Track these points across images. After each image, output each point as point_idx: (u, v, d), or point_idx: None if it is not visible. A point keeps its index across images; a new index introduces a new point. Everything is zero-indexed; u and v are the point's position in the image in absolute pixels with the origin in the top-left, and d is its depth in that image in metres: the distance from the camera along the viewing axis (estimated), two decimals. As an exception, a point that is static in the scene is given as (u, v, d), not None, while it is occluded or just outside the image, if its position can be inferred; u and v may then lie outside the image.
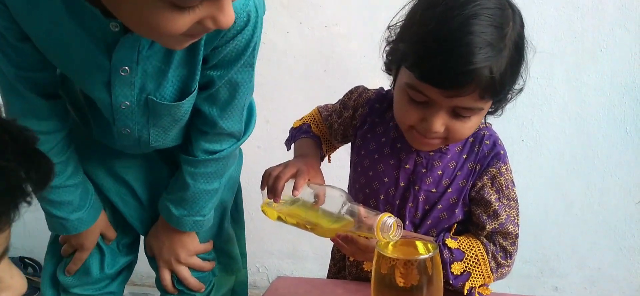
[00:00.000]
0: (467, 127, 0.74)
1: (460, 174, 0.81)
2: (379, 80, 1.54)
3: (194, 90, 0.73)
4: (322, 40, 1.57)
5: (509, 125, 1.46)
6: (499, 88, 0.70)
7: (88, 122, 0.84)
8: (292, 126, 1.01)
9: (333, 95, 1.56)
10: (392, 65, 0.81)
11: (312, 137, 0.97)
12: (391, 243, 0.68)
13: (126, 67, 0.68)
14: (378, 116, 0.87)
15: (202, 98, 0.76)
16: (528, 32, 1.34)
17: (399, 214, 0.83)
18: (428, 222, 0.83)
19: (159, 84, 0.71)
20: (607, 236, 1.53)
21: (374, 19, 1.51)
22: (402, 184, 0.82)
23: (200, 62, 0.71)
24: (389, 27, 0.80)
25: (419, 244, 0.69)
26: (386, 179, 0.84)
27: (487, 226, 0.78)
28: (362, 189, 0.88)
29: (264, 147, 1.67)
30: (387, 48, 0.81)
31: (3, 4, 0.63)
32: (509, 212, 0.79)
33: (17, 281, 0.48)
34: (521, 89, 0.78)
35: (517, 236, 0.80)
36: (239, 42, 0.70)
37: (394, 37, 0.79)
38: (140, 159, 0.90)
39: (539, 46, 1.44)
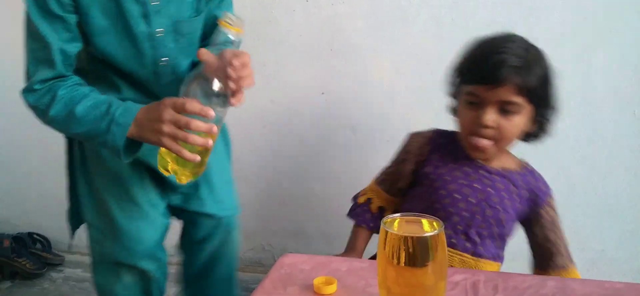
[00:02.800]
0: (513, 124, 0.94)
1: (518, 199, 1.02)
2: (383, 60, 1.53)
3: (204, 9, 0.99)
4: (327, 19, 1.56)
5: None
6: (531, 88, 0.92)
7: (124, 95, 0.98)
8: (356, 198, 1.20)
9: (338, 75, 1.56)
10: (455, 90, 1.04)
11: (368, 225, 1.14)
12: (397, 220, 0.69)
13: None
14: (445, 148, 1.06)
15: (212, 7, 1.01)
16: (536, 14, 1.35)
17: (468, 227, 1.01)
18: (490, 234, 1.01)
19: (178, 9, 0.95)
20: (610, 219, 1.54)
21: (380, -1, 1.51)
22: (472, 200, 1.00)
23: None
24: (451, 73, 1.04)
25: (425, 222, 0.69)
26: (457, 196, 1.00)
27: (559, 255, 1.04)
28: (432, 204, 1.02)
29: (269, 127, 1.68)
30: (451, 87, 1.05)
31: None
32: (561, 234, 1.05)
33: None
34: (555, 111, 1.01)
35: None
36: None
37: (454, 75, 1.04)
38: None
39: (548, 27, 1.44)
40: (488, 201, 1.00)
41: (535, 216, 1.04)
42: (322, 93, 1.61)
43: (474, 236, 1.01)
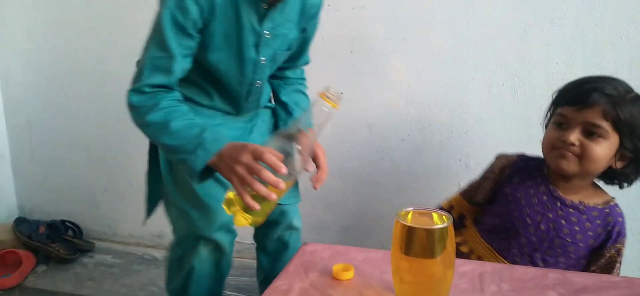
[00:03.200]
0: (597, 149, 0.97)
1: (592, 235, 1.03)
2: (401, 61, 1.59)
3: (294, 42, 1.15)
4: (348, 22, 1.62)
5: (528, 108, 1.50)
6: (620, 117, 0.95)
7: (215, 103, 1.12)
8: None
9: (358, 75, 1.63)
10: (548, 119, 1.09)
11: None
12: (410, 213, 0.75)
13: (267, 32, 1.05)
14: (526, 173, 1.10)
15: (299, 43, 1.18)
16: (549, 19, 1.38)
17: (534, 250, 1.06)
18: (555, 262, 1.04)
19: (281, 42, 1.09)
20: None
21: (399, 2, 1.56)
22: (542, 227, 1.04)
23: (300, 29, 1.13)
24: (549, 106, 1.09)
25: (435, 215, 0.76)
26: (529, 221, 1.05)
27: None
28: (504, 223, 1.09)
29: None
30: (547, 117, 1.10)
31: (212, 1, 0.95)
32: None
33: None
34: None
35: None
36: (317, 15, 1.16)
37: (550, 105, 1.08)
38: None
39: (560, 32, 1.49)
40: (557, 231, 1.03)
41: (598, 252, 1.05)
42: (341, 92, 1.67)
43: (538, 260, 1.06)
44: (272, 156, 0.84)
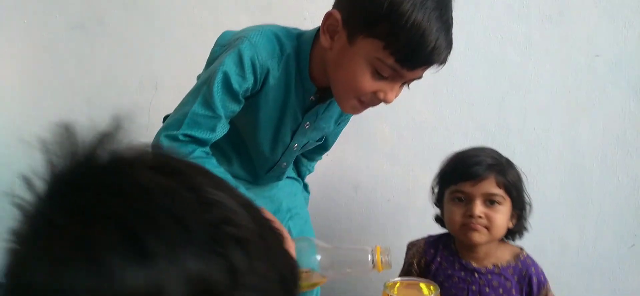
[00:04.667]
0: (499, 216, 1.07)
1: (515, 293, 1.09)
2: (385, 126, 1.63)
3: (326, 135, 1.18)
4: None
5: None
6: (509, 182, 1.07)
7: (234, 169, 1.11)
8: None
9: (344, 138, 1.65)
10: (439, 199, 1.17)
11: None
12: (397, 284, 0.77)
13: (308, 123, 1.05)
14: (439, 256, 1.16)
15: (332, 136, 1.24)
16: (526, 88, 1.46)
17: None
18: None
19: (317, 134, 1.11)
20: (601, 279, 1.60)
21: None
22: None
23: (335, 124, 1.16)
24: (432, 187, 1.20)
25: (423, 286, 0.78)
26: None
27: None
28: None
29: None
30: (435, 195, 1.19)
31: (268, 71, 0.93)
32: None
33: None
34: (531, 208, 1.16)
35: None
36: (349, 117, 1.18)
37: (436, 183, 1.18)
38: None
39: (536, 99, 1.56)
40: None
41: None
42: (327, 154, 1.71)
43: None
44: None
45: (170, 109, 1.74)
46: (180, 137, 0.92)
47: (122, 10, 1.67)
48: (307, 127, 1.05)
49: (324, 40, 0.90)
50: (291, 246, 0.83)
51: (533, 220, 1.60)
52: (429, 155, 1.63)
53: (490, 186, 1.06)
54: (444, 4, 0.85)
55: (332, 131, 1.19)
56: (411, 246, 1.24)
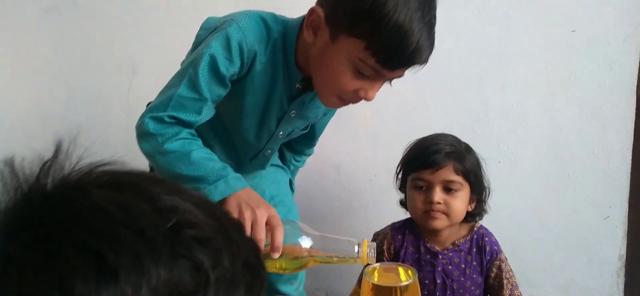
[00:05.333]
0: (457, 202, 1.10)
1: (476, 264, 1.15)
2: (366, 108, 1.64)
3: (312, 123, 1.17)
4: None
5: (487, 147, 1.56)
6: (467, 169, 1.10)
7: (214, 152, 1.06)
8: None
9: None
10: (402, 185, 1.21)
11: None
12: (376, 269, 0.79)
13: (294, 111, 1.04)
14: (406, 242, 1.20)
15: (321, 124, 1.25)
16: (505, 64, 1.47)
17: None
18: None
19: (302, 122, 1.10)
20: (578, 249, 1.65)
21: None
22: (438, 281, 1.14)
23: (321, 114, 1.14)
24: (396, 173, 1.23)
25: (401, 270, 0.79)
26: (426, 281, 1.15)
27: None
28: None
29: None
30: (399, 180, 1.22)
31: (255, 55, 0.92)
32: (513, 285, 1.15)
33: None
34: (489, 193, 1.20)
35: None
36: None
37: (399, 170, 1.22)
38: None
39: (515, 75, 1.57)
40: (451, 277, 1.14)
41: (486, 273, 1.16)
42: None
43: None
44: (280, 236, 0.82)
45: (148, 92, 1.73)
46: (166, 118, 0.91)
47: (96, -8, 1.64)
48: (293, 115, 1.05)
49: (307, 35, 0.90)
50: (280, 227, 0.83)
51: (512, 196, 1.64)
52: (410, 134, 1.62)
53: (449, 174, 1.09)
54: (428, 4, 0.85)
55: (319, 120, 1.19)
56: (377, 235, 1.27)
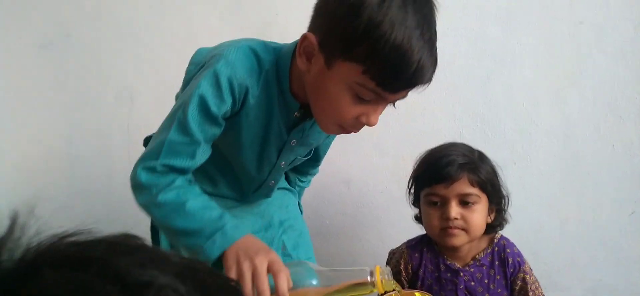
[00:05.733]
0: (475, 216, 1.04)
1: (500, 278, 1.09)
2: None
3: (313, 150, 1.13)
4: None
5: (500, 149, 1.51)
6: (482, 180, 1.04)
7: (219, 190, 1.07)
8: None
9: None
10: (416, 200, 1.15)
11: None
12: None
13: (294, 140, 0.99)
14: (424, 260, 1.14)
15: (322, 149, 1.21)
16: (511, 63, 1.42)
17: None
18: None
19: (304, 149, 1.06)
20: (604, 249, 1.57)
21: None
22: None
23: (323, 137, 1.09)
24: (408, 188, 1.17)
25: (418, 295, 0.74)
26: None
27: None
28: None
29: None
30: (411, 196, 1.17)
31: (247, 90, 0.87)
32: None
33: None
34: (508, 201, 1.13)
35: None
36: None
37: (411, 184, 1.16)
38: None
39: (521, 74, 1.52)
40: (474, 294, 1.08)
41: (511, 287, 1.10)
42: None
43: None
44: (283, 281, 0.76)
45: (148, 120, 1.70)
46: (159, 168, 0.86)
47: (89, 22, 1.62)
48: (293, 144, 0.99)
49: (301, 63, 0.85)
50: (283, 272, 0.77)
51: (529, 198, 1.58)
52: (417, 142, 1.58)
53: (464, 187, 1.03)
54: (427, 20, 0.79)
55: (322, 142, 1.15)
56: (393, 253, 1.21)
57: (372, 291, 0.78)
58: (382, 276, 0.77)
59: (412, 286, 1.16)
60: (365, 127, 1.59)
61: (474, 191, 1.04)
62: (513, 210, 1.20)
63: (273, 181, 1.08)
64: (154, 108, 1.75)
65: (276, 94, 0.91)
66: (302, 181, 1.31)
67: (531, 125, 1.52)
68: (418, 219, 1.17)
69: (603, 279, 1.61)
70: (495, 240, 1.11)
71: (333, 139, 1.23)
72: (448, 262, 1.11)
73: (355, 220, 1.69)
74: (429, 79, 0.82)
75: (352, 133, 1.61)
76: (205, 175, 1.02)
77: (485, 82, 1.51)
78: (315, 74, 0.83)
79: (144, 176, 0.86)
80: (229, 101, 0.86)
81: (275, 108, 0.92)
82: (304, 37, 0.84)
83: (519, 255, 1.11)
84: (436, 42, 0.82)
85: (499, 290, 1.08)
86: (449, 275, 1.10)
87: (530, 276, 1.09)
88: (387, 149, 1.62)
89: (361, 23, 0.75)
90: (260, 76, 0.88)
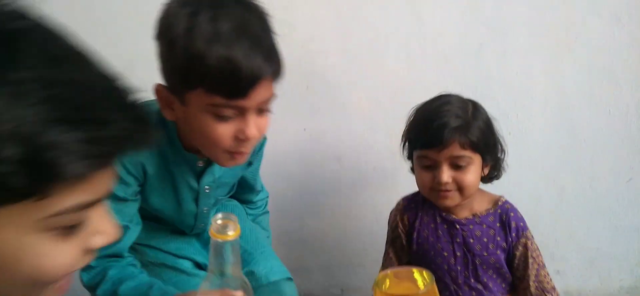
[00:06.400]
0: (468, 176, 1.02)
1: (500, 240, 1.07)
2: (360, 93, 1.55)
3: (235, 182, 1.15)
4: (301, 58, 1.58)
5: (494, 121, 1.48)
6: (474, 141, 1.00)
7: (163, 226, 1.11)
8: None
9: (317, 111, 1.58)
10: (410, 155, 1.13)
11: None
12: (388, 276, 0.69)
13: (207, 187, 1.02)
14: (421, 211, 1.14)
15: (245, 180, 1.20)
16: (503, 31, 1.36)
17: (466, 278, 1.09)
18: (489, 277, 1.08)
19: (223, 189, 1.10)
20: (602, 218, 1.56)
21: (347, 34, 1.53)
22: (458, 254, 1.08)
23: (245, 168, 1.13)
24: (401, 142, 1.14)
25: (416, 274, 0.70)
26: (446, 254, 1.09)
27: (531, 282, 1.06)
28: (429, 265, 1.09)
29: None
30: (405, 150, 1.14)
31: (142, 165, 0.93)
32: (539, 264, 1.07)
33: (110, 228, 0.54)
34: (505, 152, 1.10)
35: (550, 282, 1.08)
36: (261, 150, 1.15)
37: (404, 141, 1.13)
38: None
39: (515, 42, 1.48)
40: (472, 250, 1.07)
41: (511, 252, 1.08)
42: (304, 129, 1.62)
43: (476, 284, 1.08)
44: None
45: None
46: (93, 264, 0.93)
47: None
48: (207, 190, 1.03)
49: (167, 114, 0.88)
50: None
51: (525, 168, 1.55)
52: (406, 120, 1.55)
53: (454, 150, 1.00)
54: (244, 21, 0.81)
55: (246, 173, 1.16)
56: (392, 213, 1.21)
57: (224, 238, 0.71)
58: (213, 226, 0.71)
59: (409, 238, 1.15)
60: (354, 102, 1.56)
61: (466, 153, 1.01)
62: (510, 181, 1.18)
63: (202, 224, 1.12)
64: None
65: (171, 154, 0.95)
66: (251, 210, 1.30)
67: (525, 95, 1.49)
68: (413, 171, 1.15)
69: (600, 248, 1.60)
70: (500, 203, 1.10)
71: (258, 165, 1.21)
72: (444, 214, 1.10)
73: (348, 198, 1.67)
74: (277, 71, 0.85)
75: (342, 111, 1.57)
76: (153, 228, 1.09)
77: (478, 52, 1.47)
78: (182, 116, 0.87)
79: (85, 277, 0.95)
80: (131, 180, 0.93)
81: (175, 167, 0.97)
82: (156, 91, 0.87)
83: (523, 220, 1.09)
84: (266, 36, 0.85)
85: (498, 252, 1.06)
86: (445, 226, 1.10)
87: (531, 243, 1.07)
88: (379, 124, 1.58)
89: (179, 53, 0.78)
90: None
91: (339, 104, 1.58)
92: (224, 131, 0.83)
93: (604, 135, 1.49)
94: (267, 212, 1.35)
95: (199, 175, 0.99)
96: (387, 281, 0.69)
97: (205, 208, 1.07)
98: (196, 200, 1.03)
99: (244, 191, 1.23)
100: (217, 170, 1.01)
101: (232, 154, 0.88)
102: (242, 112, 0.83)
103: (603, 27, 1.41)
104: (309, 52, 1.56)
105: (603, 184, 1.53)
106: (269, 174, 1.67)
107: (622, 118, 1.47)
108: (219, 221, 0.71)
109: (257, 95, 0.82)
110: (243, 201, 1.27)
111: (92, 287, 0.95)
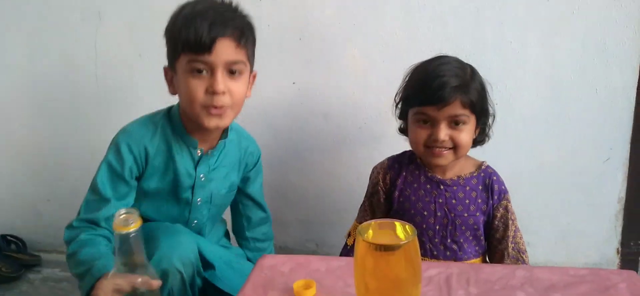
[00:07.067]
0: (463, 135, 1.04)
1: (481, 202, 1.10)
2: (354, 49, 1.53)
3: (235, 188, 1.25)
4: (295, 8, 1.55)
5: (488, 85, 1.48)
6: (473, 101, 1.03)
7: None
8: (346, 243, 1.27)
9: (309, 64, 1.56)
10: (403, 114, 1.14)
11: None
12: (371, 226, 0.70)
13: (202, 175, 1.14)
14: (405, 170, 1.16)
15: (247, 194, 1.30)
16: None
17: (443, 238, 1.11)
18: (465, 238, 1.11)
19: (217, 185, 1.18)
20: (578, 193, 1.59)
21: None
22: (439, 214, 1.10)
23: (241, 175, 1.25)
24: (395, 98, 1.16)
25: (398, 226, 0.71)
26: (425, 213, 1.11)
27: (509, 243, 1.10)
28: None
29: (241, 117, 1.66)
30: (398, 109, 1.15)
31: (145, 148, 1.08)
32: (516, 227, 1.12)
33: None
34: (494, 118, 1.13)
35: (524, 244, 1.13)
36: (258, 164, 1.29)
37: (399, 99, 1.14)
38: None
39: (514, 13, 1.46)
40: (452, 211, 1.09)
41: (492, 213, 1.11)
42: (293, 83, 1.61)
43: (451, 244, 1.11)
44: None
45: (118, 39, 1.61)
46: (75, 224, 1.06)
47: None
48: (202, 179, 1.14)
49: (170, 90, 1.08)
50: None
51: (509, 140, 1.56)
52: (401, 78, 1.54)
53: (455, 108, 1.02)
54: (217, 3, 1.03)
55: (237, 183, 1.24)
56: (375, 168, 1.22)
57: (126, 229, 0.78)
58: (115, 220, 0.78)
59: (389, 197, 1.17)
60: (348, 58, 1.55)
61: (465, 112, 1.03)
62: (492, 151, 1.20)
63: (196, 221, 1.19)
64: (123, 26, 1.65)
65: (173, 138, 1.10)
66: (258, 241, 1.35)
67: (518, 66, 1.49)
68: (403, 131, 1.16)
69: (572, 224, 1.63)
70: (483, 167, 1.13)
71: (260, 182, 1.31)
72: (429, 174, 1.12)
73: (332, 155, 1.66)
74: (235, 31, 1.00)
75: (335, 67, 1.55)
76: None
77: (475, 18, 1.46)
78: (176, 85, 1.06)
79: (66, 234, 1.06)
80: (129, 158, 1.06)
81: (176, 149, 1.10)
82: (164, 72, 1.09)
83: (504, 184, 1.13)
84: (234, 9, 1.05)
85: (477, 214, 1.10)
86: (428, 186, 1.11)
87: (511, 206, 1.12)
88: (370, 84, 1.57)
89: (169, 33, 1.03)
90: (155, 131, 1.10)
91: (331, 60, 1.56)
92: (197, 84, 1.00)
93: (588, 113, 1.50)
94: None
95: (196, 164, 1.12)
96: (371, 231, 0.70)
97: (198, 199, 1.15)
98: (192, 188, 1.13)
99: (249, 207, 1.32)
100: (211, 162, 1.14)
101: (208, 109, 1.01)
102: (212, 70, 1.00)
103: (602, 3, 1.41)
104: (305, 4, 1.54)
105: (581, 161, 1.55)
106: (254, 124, 1.66)
107: (609, 98, 1.48)
108: (122, 216, 0.78)
109: (221, 52, 0.98)
110: (251, 223, 1.33)
111: (67, 243, 1.06)
